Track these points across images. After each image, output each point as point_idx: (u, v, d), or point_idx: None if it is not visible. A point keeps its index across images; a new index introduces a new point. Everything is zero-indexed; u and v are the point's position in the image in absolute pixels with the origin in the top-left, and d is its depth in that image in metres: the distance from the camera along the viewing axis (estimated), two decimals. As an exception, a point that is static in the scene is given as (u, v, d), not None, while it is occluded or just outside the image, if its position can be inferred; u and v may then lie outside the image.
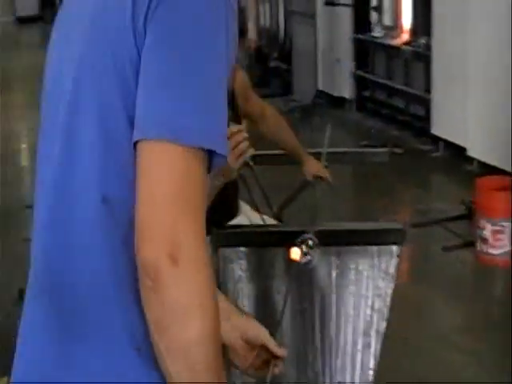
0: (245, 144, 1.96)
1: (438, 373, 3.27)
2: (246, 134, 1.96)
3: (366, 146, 6.14)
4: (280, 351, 1.44)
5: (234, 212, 2.75)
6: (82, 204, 1.10)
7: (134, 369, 1.09)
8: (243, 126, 1.99)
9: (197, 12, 1.04)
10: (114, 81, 1.07)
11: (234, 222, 2.72)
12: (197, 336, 1.00)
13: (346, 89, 7.58)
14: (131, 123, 1.05)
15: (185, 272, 0.99)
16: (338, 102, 7.74)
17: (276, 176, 3.92)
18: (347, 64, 7.48)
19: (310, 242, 2.18)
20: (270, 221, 2.91)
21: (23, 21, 16.88)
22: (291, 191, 3.29)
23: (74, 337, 1.12)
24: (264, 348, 1.44)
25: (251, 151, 1.98)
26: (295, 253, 2.11)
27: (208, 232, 2.21)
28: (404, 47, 6.67)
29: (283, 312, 1.98)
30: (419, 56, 6.50)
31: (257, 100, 2.89)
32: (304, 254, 2.18)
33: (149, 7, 1.04)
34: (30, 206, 1.25)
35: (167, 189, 0.99)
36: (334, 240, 2.37)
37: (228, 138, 1.89)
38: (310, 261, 2.19)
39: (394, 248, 2.30)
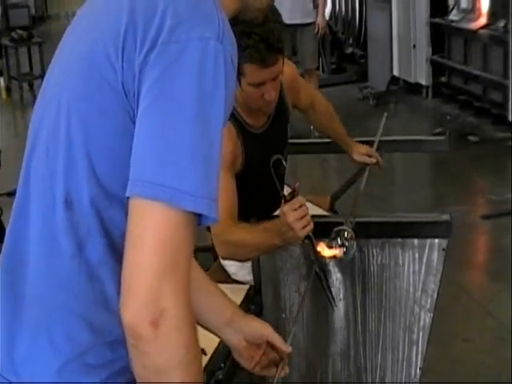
0: (309, 217, 2.00)
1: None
2: (307, 208, 2.01)
3: (439, 133, 5.98)
4: (285, 347, 1.45)
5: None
6: (56, 203, 1.11)
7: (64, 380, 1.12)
8: (304, 199, 2.03)
9: (196, 72, 1.03)
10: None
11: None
12: None
13: (422, 75, 7.38)
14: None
15: (166, 338, 1.01)
16: (414, 88, 7.56)
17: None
18: (423, 49, 7.29)
19: (346, 234, 2.13)
20: (317, 210, 2.86)
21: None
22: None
23: (20, 331, 1.14)
24: (270, 346, 1.46)
25: (312, 225, 2.02)
26: (321, 247, 2.07)
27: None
28: (481, 31, 6.45)
29: (301, 307, 1.96)
30: (497, 40, 6.26)
31: (307, 91, 2.83)
32: (340, 245, 2.14)
33: (145, 59, 1.05)
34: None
35: (154, 254, 1.00)
36: (377, 232, 2.31)
37: (295, 209, 1.97)
38: (346, 252, 2.13)
39: (437, 241, 2.22)
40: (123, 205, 1.06)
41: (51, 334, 1.12)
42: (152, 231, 1.01)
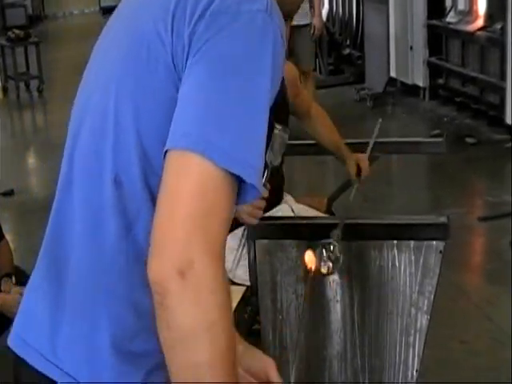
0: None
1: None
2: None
3: (436, 135, 5.98)
4: None
5: (277, 200, 2.71)
6: (103, 183, 1.10)
7: (107, 368, 1.09)
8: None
9: (243, 40, 1.04)
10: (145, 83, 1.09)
11: (275, 211, 2.67)
12: (206, 360, 0.95)
13: (419, 76, 7.38)
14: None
15: (193, 291, 0.94)
16: (412, 89, 7.57)
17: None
18: (420, 51, 7.29)
19: (332, 247, 1.99)
20: (314, 212, 2.86)
21: (107, 10, 17.36)
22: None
23: (63, 314, 1.12)
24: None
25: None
26: (308, 256, 1.97)
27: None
28: (479, 33, 6.45)
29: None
30: (494, 42, 6.27)
31: (304, 97, 2.83)
32: (324, 260, 2.00)
33: (195, 24, 1.05)
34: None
35: (188, 204, 0.97)
36: (373, 234, 2.30)
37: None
38: (329, 269, 2.01)
39: (434, 243, 2.21)
40: None
41: (95, 317, 1.09)
42: (188, 183, 0.98)
